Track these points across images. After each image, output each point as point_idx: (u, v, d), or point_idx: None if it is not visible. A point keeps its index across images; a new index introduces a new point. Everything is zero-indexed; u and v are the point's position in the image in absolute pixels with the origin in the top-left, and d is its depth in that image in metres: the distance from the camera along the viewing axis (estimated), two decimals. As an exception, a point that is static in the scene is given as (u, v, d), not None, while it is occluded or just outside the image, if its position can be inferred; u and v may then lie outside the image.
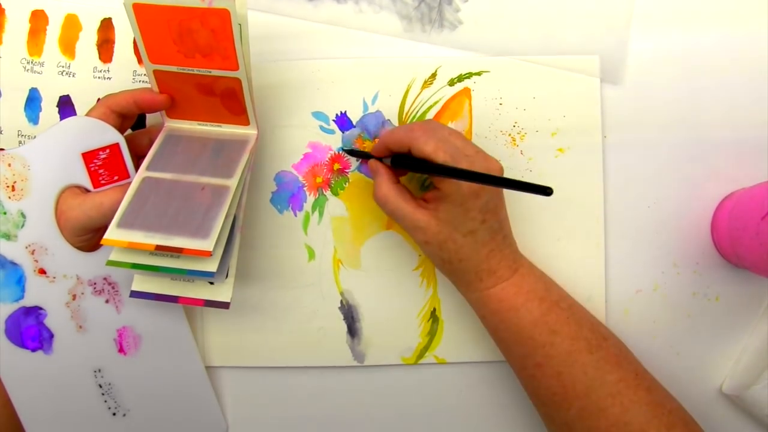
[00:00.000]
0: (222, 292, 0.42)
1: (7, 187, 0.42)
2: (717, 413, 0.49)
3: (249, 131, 0.44)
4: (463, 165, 0.40)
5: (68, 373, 0.46)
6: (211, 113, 0.44)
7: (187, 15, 0.37)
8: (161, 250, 0.38)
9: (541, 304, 0.42)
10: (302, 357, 0.49)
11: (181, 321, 0.48)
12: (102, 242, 0.38)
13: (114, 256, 0.39)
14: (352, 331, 0.49)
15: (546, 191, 0.33)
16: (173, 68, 0.40)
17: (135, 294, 0.42)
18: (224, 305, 0.42)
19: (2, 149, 0.45)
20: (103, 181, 0.43)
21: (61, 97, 0.48)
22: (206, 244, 0.38)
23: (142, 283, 0.42)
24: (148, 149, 0.43)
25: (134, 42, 0.48)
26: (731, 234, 0.46)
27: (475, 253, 0.42)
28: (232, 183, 0.41)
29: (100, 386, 0.47)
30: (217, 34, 0.38)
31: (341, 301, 0.49)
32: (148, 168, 0.42)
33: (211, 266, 0.39)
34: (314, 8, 0.48)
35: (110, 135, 0.42)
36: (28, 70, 0.48)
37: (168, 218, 0.39)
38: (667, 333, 0.49)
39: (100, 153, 0.42)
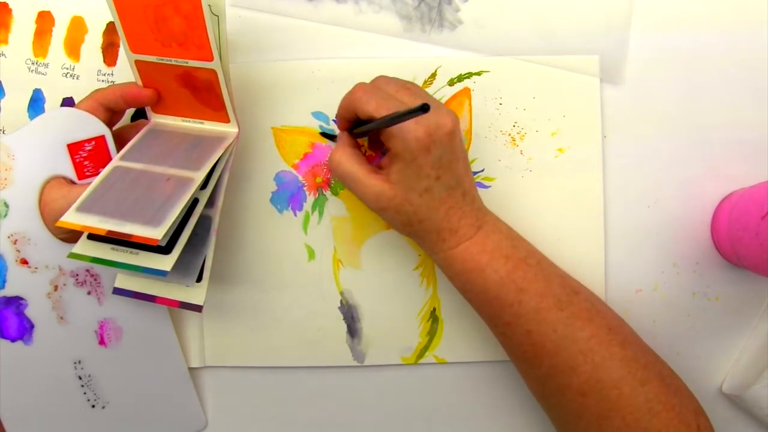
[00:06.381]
0: (196, 294, 0.43)
1: None
2: (717, 413, 0.48)
3: (229, 129, 0.44)
4: None
5: (48, 364, 0.46)
6: (194, 109, 0.44)
7: (161, 1, 0.38)
8: (112, 235, 0.38)
9: (507, 262, 0.41)
10: (302, 357, 0.50)
11: (163, 314, 0.48)
12: (57, 224, 0.38)
13: (76, 249, 0.40)
14: (352, 331, 0.49)
15: (423, 108, 0.32)
16: (153, 58, 0.41)
17: (117, 291, 0.44)
18: (197, 308, 0.43)
19: None
20: (88, 173, 0.43)
21: (64, 99, 0.49)
22: (156, 233, 0.38)
23: (124, 281, 0.44)
24: None
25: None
26: (731, 234, 0.46)
27: (434, 212, 0.41)
28: (197, 176, 0.41)
29: (80, 378, 0.47)
30: (190, 21, 0.38)
31: (341, 301, 0.49)
32: (122, 158, 0.42)
33: (166, 265, 0.39)
34: (314, 8, 0.48)
35: (96, 127, 0.42)
36: (32, 71, 0.49)
37: (127, 206, 0.39)
38: (667, 333, 0.49)
39: (86, 145, 0.42)
